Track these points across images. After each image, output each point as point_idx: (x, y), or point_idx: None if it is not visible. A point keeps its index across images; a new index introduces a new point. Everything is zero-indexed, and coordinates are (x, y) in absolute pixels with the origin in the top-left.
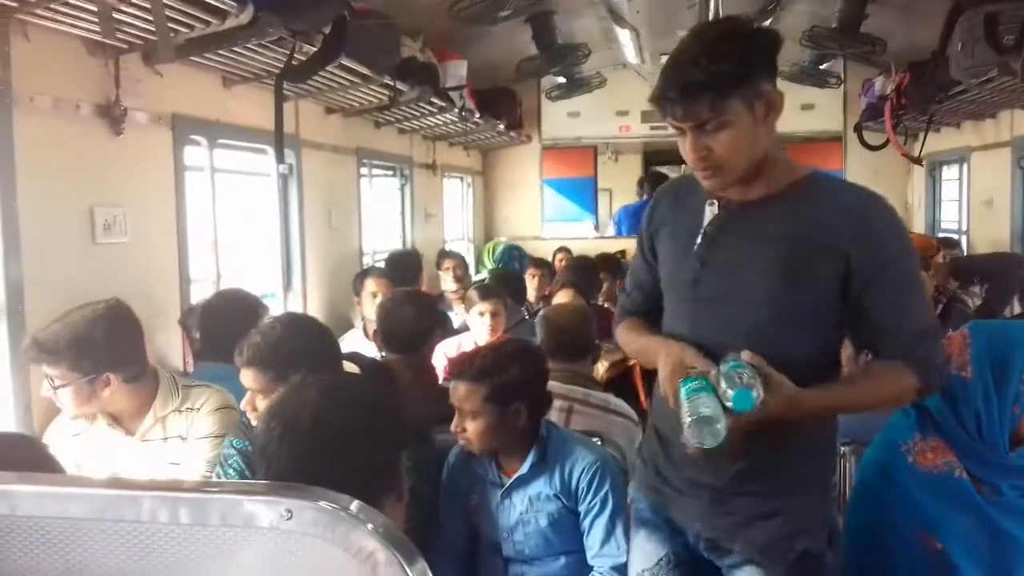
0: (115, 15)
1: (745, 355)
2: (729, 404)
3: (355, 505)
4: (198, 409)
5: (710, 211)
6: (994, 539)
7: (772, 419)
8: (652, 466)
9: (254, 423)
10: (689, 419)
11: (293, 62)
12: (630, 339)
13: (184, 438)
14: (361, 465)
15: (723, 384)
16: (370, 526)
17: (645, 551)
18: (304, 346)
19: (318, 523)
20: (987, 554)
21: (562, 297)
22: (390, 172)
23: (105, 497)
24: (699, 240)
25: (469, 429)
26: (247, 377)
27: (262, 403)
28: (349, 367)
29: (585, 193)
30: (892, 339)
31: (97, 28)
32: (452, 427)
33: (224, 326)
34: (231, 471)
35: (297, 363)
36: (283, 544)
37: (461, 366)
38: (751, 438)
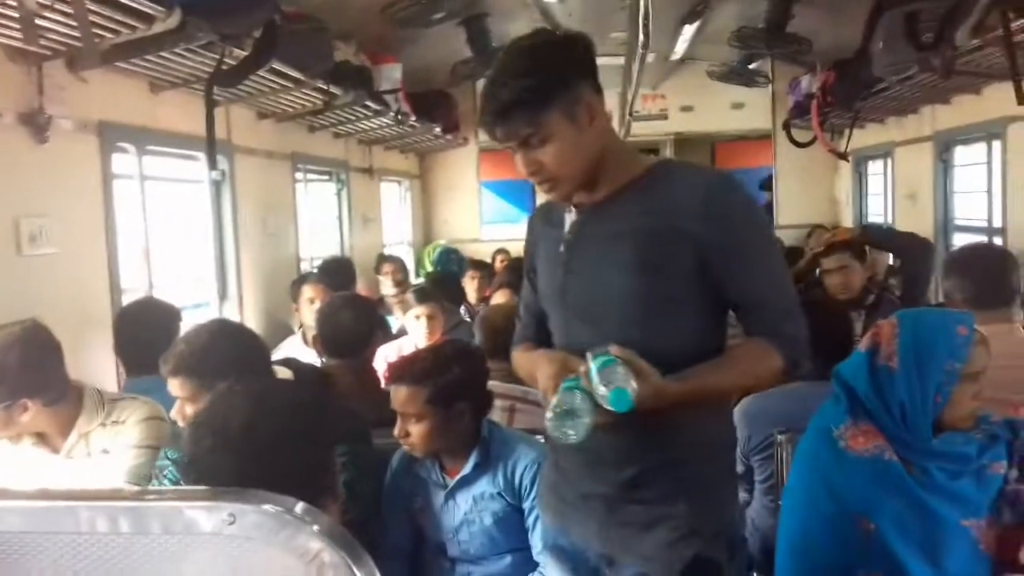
0: (37, 21)
1: (613, 349)
2: (607, 404)
3: (299, 507)
4: (123, 422)
5: (569, 218)
6: (924, 518)
7: (643, 410)
8: (551, 487)
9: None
10: (553, 412)
11: (223, 67)
12: (521, 363)
13: (107, 451)
14: (297, 467)
15: (596, 381)
16: (316, 527)
17: None
18: (232, 352)
19: (262, 527)
20: (918, 533)
21: (500, 298)
22: (326, 177)
23: (40, 509)
24: (561, 248)
25: (413, 433)
26: (174, 386)
27: (191, 410)
28: (284, 373)
29: (523, 194)
30: (755, 318)
31: (19, 34)
32: (395, 432)
33: (141, 337)
34: (166, 482)
35: (225, 370)
36: (227, 549)
37: (401, 370)
38: (640, 444)
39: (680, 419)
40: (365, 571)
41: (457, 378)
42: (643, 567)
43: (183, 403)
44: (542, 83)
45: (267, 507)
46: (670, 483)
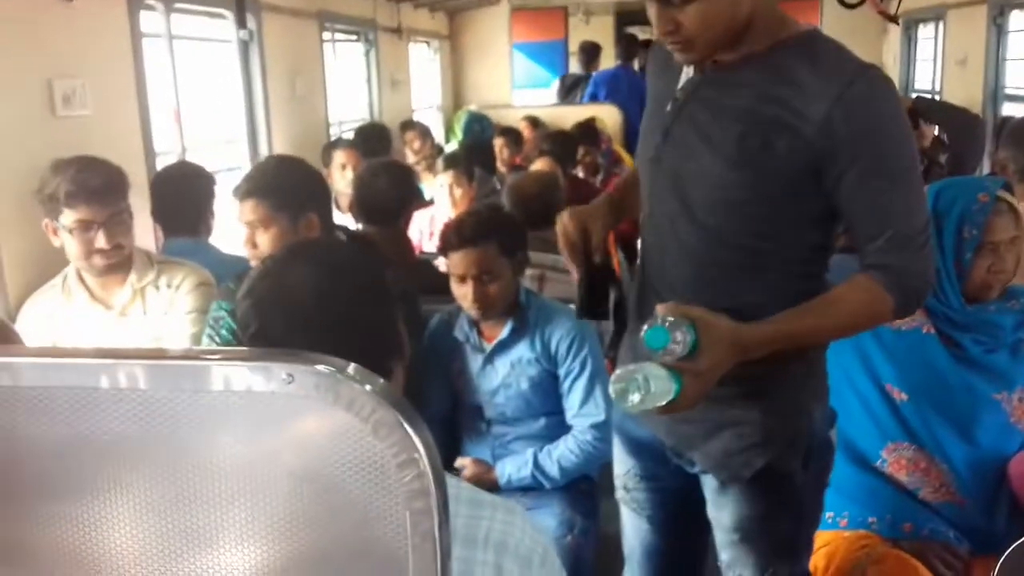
0: None
1: (661, 309)
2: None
3: (352, 368)
4: (177, 287)
5: (686, 74)
6: (956, 391)
7: (721, 368)
8: (622, 366)
9: (252, 263)
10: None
11: None
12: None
13: (167, 313)
14: (370, 332)
15: (641, 383)
16: (368, 387)
17: (618, 458)
18: (297, 177)
19: (319, 386)
20: (949, 405)
21: (539, 166)
22: (354, 38)
23: (102, 366)
24: (668, 108)
25: (492, 291)
26: (246, 210)
27: (262, 237)
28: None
29: (556, 56)
30: (873, 241)
31: None
32: (471, 295)
33: (177, 200)
34: (224, 332)
35: (294, 193)
36: (287, 407)
37: (459, 233)
38: None
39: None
40: (416, 428)
41: (515, 228)
42: (708, 469)
43: (253, 229)
44: None
45: (321, 368)
46: (747, 382)
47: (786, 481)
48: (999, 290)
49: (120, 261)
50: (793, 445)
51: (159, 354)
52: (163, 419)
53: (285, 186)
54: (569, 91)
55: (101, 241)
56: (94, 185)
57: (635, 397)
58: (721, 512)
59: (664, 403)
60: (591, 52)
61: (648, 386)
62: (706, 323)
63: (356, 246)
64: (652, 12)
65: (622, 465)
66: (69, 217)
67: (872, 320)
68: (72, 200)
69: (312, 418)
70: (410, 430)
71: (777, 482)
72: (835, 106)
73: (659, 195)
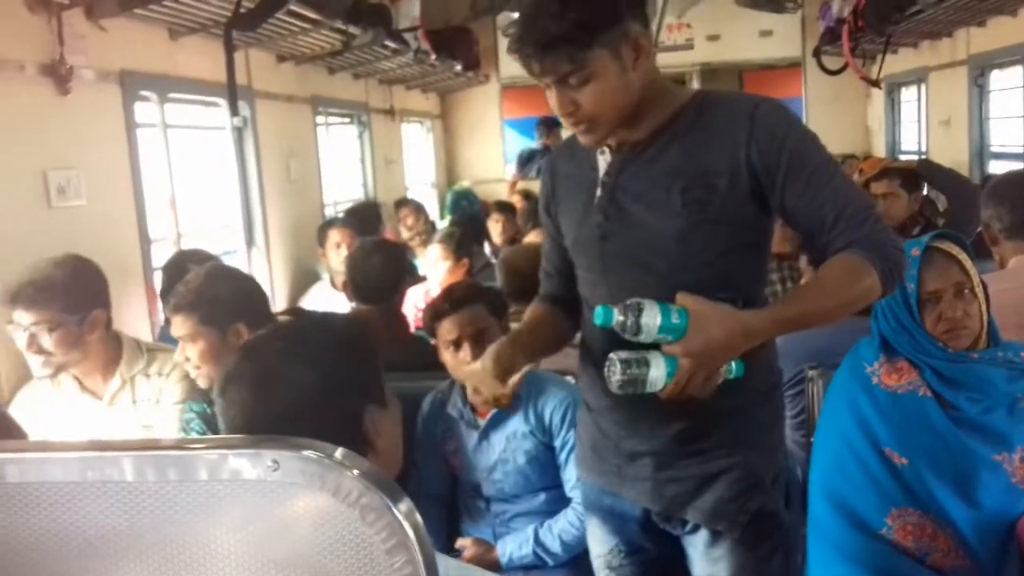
0: None
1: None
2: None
3: (339, 452)
4: (168, 375)
5: (603, 160)
6: (956, 454)
7: (719, 351)
8: (593, 448)
9: (192, 374)
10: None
11: (241, 10)
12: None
13: (158, 401)
14: (339, 422)
15: (643, 365)
16: (355, 472)
17: (598, 538)
18: (228, 290)
19: (305, 472)
20: (950, 468)
21: (532, 238)
22: (347, 119)
23: (88, 459)
24: (599, 192)
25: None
26: (176, 325)
27: (191, 351)
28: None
29: None
30: (830, 230)
31: None
32: (471, 358)
33: None
34: (194, 435)
35: (223, 308)
36: (272, 495)
37: (449, 299)
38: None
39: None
40: (404, 511)
41: (497, 293)
42: (703, 523)
43: (183, 344)
44: (591, 17)
45: (308, 453)
46: (726, 432)
47: (774, 522)
48: (968, 339)
49: (68, 364)
50: (776, 484)
51: (144, 445)
52: (149, 511)
53: (212, 299)
54: (525, 164)
55: (23, 343)
56: (24, 289)
57: (623, 376)
58: (716, 567)
59: (661, 386)
60: (549, 125)
61: (643, 367)
62: (696, 309)
63: (326, 330)
64: (552, 96)
65: (603, 544)
66: (6, 315)
67: (864, 295)
68: (3, 298)
69: (299, 504)
70: (399, 514)
71: (767, 524)
72: (752, 130)
73: (615, 271)
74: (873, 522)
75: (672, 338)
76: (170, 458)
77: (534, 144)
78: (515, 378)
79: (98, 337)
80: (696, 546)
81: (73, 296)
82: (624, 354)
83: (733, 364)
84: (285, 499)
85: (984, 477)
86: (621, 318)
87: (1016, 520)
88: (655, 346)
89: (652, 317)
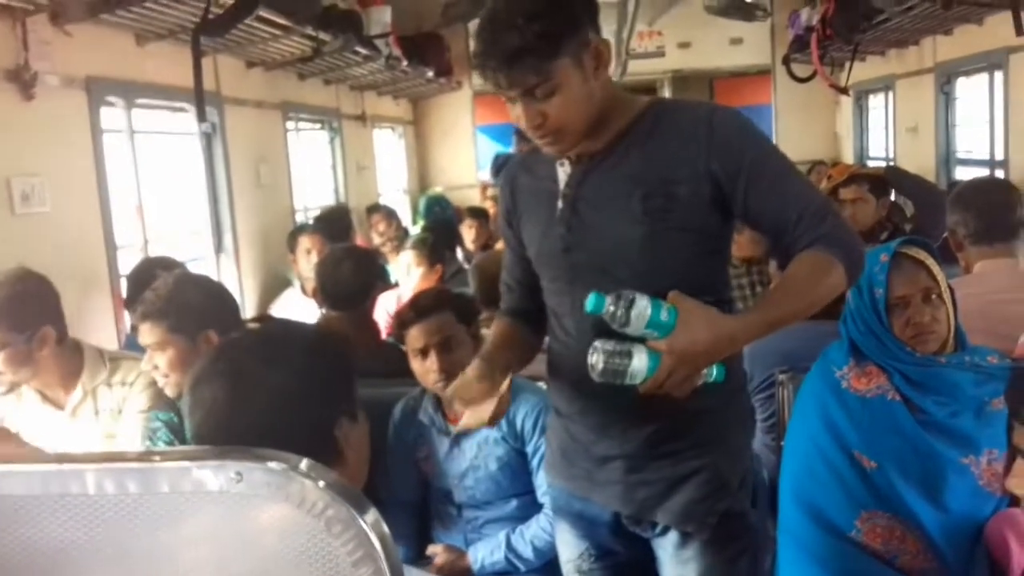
0: None
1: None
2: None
3: (304, 463)
4: (131, 384)
5: (563, 172)
6: (924, 457)
7: (702, 352)
8: (563, 453)
9: (160, 383)
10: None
11: (209, 15)
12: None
13: (120, 411)
14: (308, 430)
15: (625, 356)
16: (321, 483)
17: (568, 543)
18: (197, 297)
19: (269, 484)
20: (919, 471)
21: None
22: (318, 125)
23: (49, 473)
24: (560, 205)
25: (456, 360)
26: (143, 333)
27: (160, 359)
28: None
29: None
30: (793, 230)
31: None
32: (438, 365)
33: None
34: (160, 444)
35: (191, 315)
36: (235, 507)
37: (415, 307)
38: (649, 403)
39: None
40: (370, 522)
41: (467, 299)
42: (673, 524)
43: (152, 352)
44: (554, 27)
45: (272, 464)
46: (696, 434)
47: (743, 523)
48: (936, 343)
49: (20, 381)
50: (744, 485)
51: (105, 457)
52: (109, 524)
53: (181, 307)
54: (499, 170)
55: None
56: None
57: (605, 364)
58: (685, 568)
59: (641, 380)
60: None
61: (626, 359)
62: (685, 307)
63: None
64: (517, 109)
65: (573, 548)
66: None
67: (832, 290)
68: None
69: (263, 516)
70: (365, 525)
71: (735, 525)
72: (711, 139)
73: (581, 280)
74: (842, 524)
75: (659, 335)
76: (131, 470)
77: (510, 150)
78: (503, 387)
79: (49, 353)
80: (666, 548)
81: (19, 315)
82: (609, 344)
83: (715, 368)
84: (249, 511)
85: (952, 480)
86: (612, 308)
87: (983, 522)
88: (641, 341)
89: (642, 311)
